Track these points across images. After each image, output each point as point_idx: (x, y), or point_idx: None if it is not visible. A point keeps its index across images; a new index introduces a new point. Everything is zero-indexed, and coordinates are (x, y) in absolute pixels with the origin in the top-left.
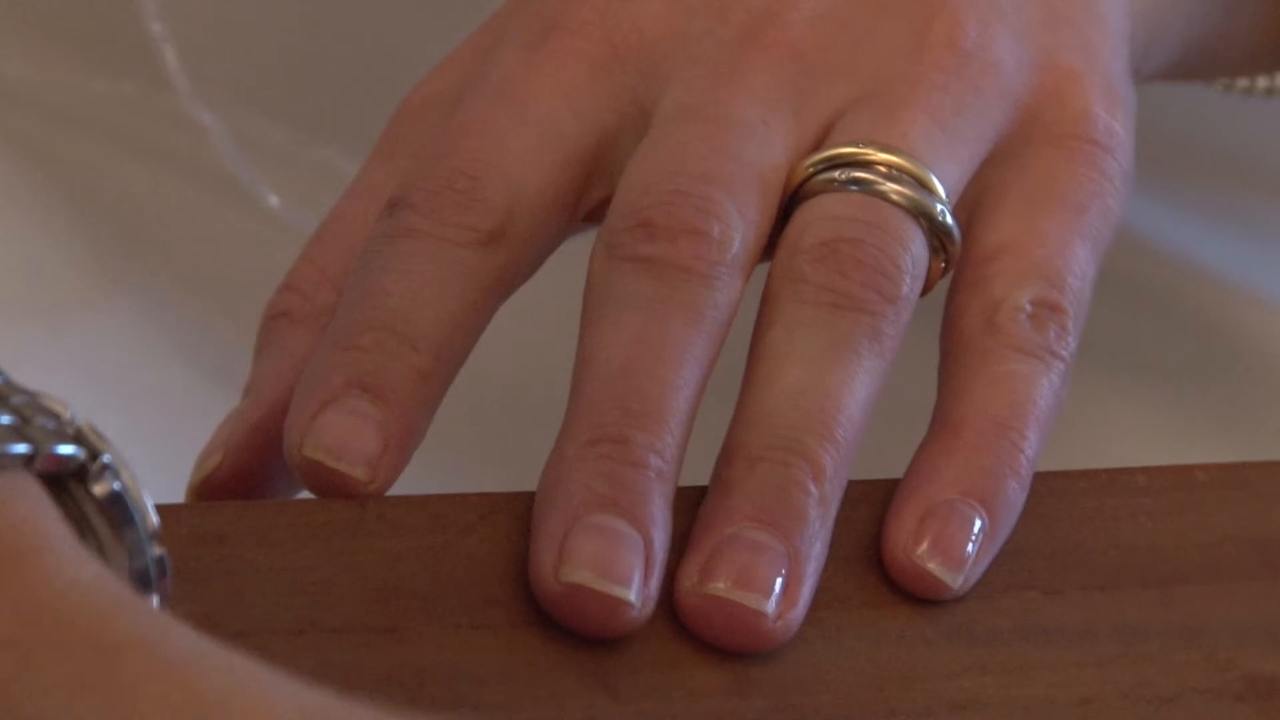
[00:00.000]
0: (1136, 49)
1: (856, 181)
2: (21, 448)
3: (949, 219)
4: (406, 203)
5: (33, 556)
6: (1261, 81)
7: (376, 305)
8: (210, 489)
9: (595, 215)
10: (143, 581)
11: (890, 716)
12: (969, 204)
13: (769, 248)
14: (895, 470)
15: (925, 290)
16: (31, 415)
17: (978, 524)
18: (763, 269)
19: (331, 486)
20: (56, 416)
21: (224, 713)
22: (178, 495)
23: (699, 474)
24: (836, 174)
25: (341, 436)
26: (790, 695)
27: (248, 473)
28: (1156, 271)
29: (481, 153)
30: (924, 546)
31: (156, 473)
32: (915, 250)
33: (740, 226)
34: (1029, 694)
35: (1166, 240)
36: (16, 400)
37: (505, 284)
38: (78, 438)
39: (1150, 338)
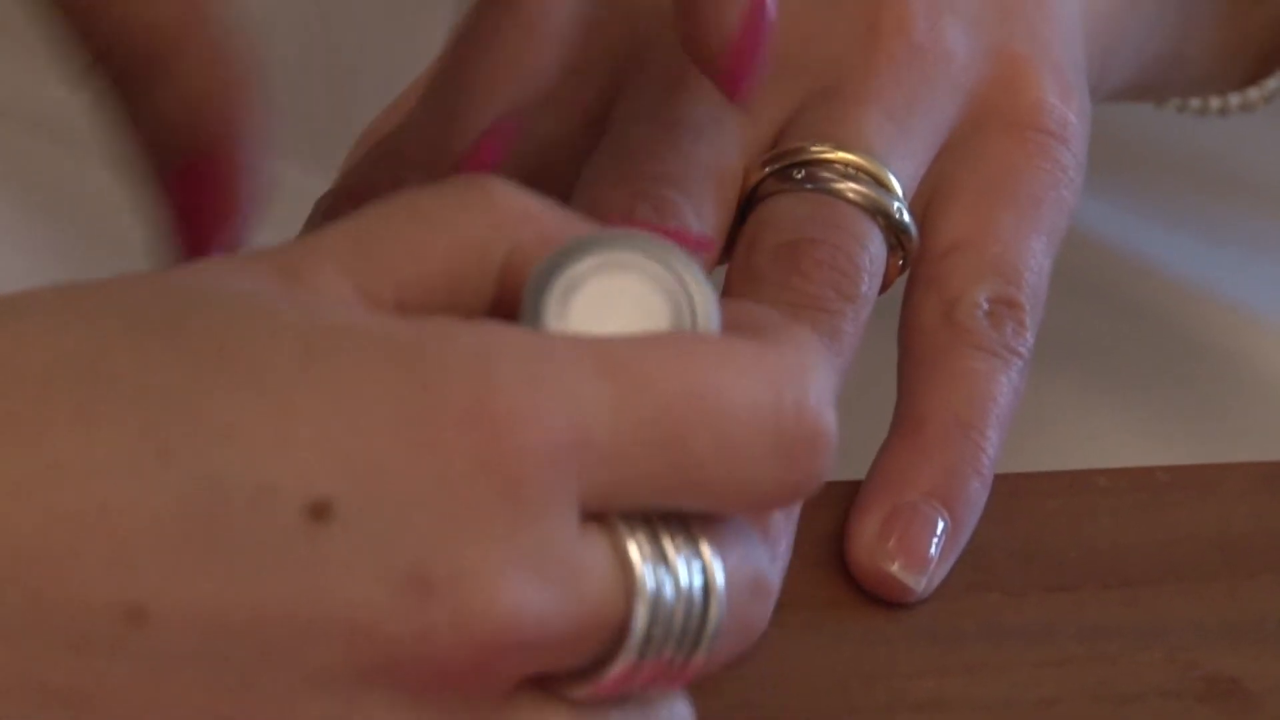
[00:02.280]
0: (1093, 63)
1: (813, 180)
2: None
3: (905, 216)
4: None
5: None
6: (1214, 103)
7: None
8: None
9: None
10: None
11: (852, 715)
12: (924, 197)
13: (727, 247)
14: (857, 468)
15: (884, 288)
16: None
17: (940, 525)
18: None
19: None
20: None
21: None
22: None
23: None
24: (793, 173)
25: None
26: (752, 694)
27: None
28: (1119, 275)
29: None
30: (887, 549)
31: None
32: (873, 249)
33: (697, 226)
34: (991, 694)
35: (1127, 244)
36: None
37: None
38: None
39: (1112, 341)
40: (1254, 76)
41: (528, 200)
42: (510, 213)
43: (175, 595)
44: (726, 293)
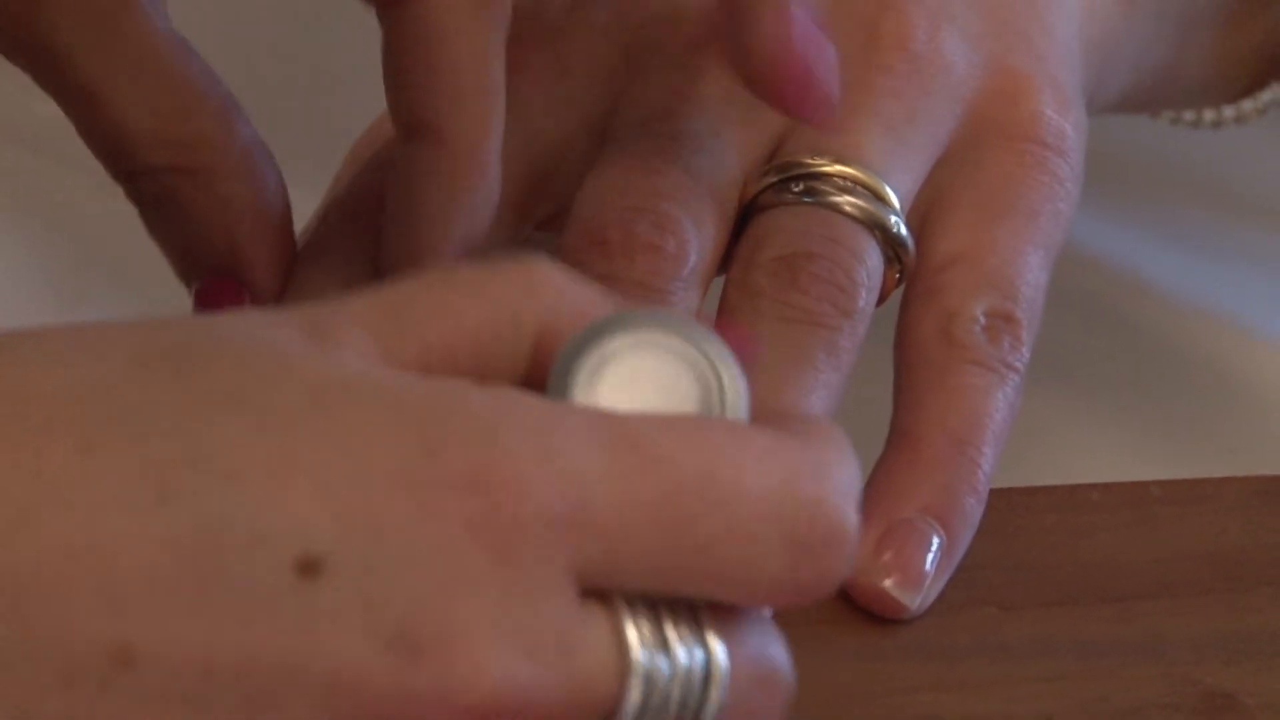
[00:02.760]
0: (1090, 76)
1: (811, 193)
2: None
3: (903, 230)
4: None
5: None
6: (1208, 115)
7: None
8: None
9: (551, 225)
10: None
11: None
12: (921, 209)
13: (725, 260)
14: None
15: (880, 301)
16: None
17: (936, 542)
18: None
19: None
20: None
21: None
22: None
23: None
24: (791, 186)
25: None
26: None
27: None
28: (1112, 290)
29: None
30: (882, 565)
31: None
32: (870, 263)
33: (696, 240)
34: (988, 709)
35: (1120, 258)
36: None
37: None
38: None
39: (1105, 355)
40: (1249, 89)
41: (564, 276)
42: (546, 286)
43: (163, 637)
44: (723, 306)
